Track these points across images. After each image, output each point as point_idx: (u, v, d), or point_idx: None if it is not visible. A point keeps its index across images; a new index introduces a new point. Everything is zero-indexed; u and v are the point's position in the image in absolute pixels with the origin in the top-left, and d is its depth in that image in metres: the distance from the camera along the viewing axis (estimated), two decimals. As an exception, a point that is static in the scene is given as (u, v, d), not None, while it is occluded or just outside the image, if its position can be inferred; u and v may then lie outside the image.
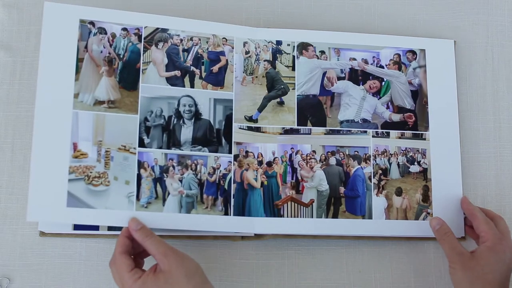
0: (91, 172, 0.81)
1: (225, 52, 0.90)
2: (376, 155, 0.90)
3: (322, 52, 0.93)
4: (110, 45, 0.86)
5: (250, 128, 0.88)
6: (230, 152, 0.87)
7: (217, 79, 0.89)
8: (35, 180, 0.79)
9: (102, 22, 0.86)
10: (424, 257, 0.89)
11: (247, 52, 0.91)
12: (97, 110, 0.83)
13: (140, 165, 0.83)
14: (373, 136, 0.90)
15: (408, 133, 0.91)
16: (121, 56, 0.86)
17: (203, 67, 0.89)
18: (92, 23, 0.85)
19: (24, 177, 0.86)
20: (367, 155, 0.90)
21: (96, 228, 0.82)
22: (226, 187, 0.86)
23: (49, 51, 0.82)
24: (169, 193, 0.84)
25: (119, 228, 0.80)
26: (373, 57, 0.94)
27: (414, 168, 0.91)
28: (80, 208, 0.80)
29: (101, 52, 0.85)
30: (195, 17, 0.91)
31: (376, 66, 0.93)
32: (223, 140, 0.87)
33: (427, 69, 0.93)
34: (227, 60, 0.90)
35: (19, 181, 0.86)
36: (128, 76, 0.86)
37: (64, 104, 0.82)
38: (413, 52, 0.94)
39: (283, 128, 0.89)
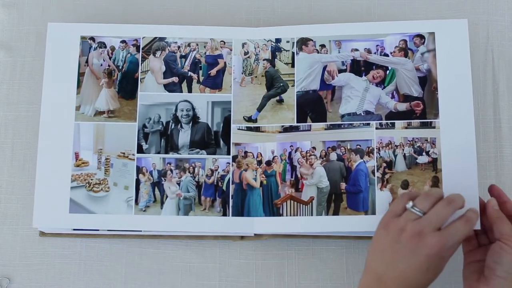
0: (92, 179, 0.86)
1: (223, 55, 0.90)
2: (380, 148, 0.85)
3: (322, 46, 0.90)
4: (110, 58, 0.90)
5: (249, 128, 0.88)
6: (228, 153, 0.87)
7: (214, 82, 0.90)
8: (40, 189, 0.84)
9: (101, 36, 0.90)
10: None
11: (246, 53, 0.91)
12: (97, 120, 0.87)
13: (139, 170, 0.86)
14: (376, 128, 0.86)
15: (415, 122, 0.86)
16: (120, 68, 0.90)
17: (201, 72, 0.90)
18: (92, 38, 0.90)
19: (24, 177, 0.89)
20: (370, 148, 0.85)
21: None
22: (224, 188, 0.86)
23: (52, 68, 0.88)
24: (167, 196, 0.86)
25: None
26: (377, 45, 0.89)
27: (422, 159, 0.85)
28: (81, 214, 0.84)
29: (101, 65, 0.90)
30: (195, 18, 0.92)
31: (380, 55, 0.89)
32: (221, 142, 0.87)
33: (437, 53, 0.87)
34: (225, 63, 0.90)
35: (19, 181, 0.90)
36: (127, 86, 0.89)
37: (67, 117, 0.87)
38: (421, 37, 0.88)
39: (282, 126, 0.88)
